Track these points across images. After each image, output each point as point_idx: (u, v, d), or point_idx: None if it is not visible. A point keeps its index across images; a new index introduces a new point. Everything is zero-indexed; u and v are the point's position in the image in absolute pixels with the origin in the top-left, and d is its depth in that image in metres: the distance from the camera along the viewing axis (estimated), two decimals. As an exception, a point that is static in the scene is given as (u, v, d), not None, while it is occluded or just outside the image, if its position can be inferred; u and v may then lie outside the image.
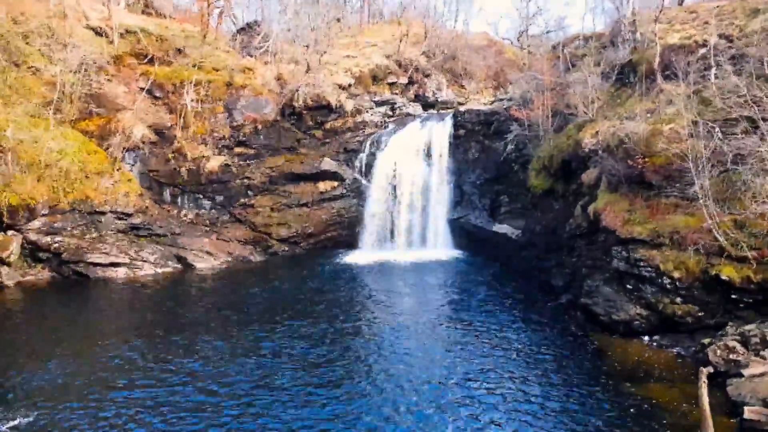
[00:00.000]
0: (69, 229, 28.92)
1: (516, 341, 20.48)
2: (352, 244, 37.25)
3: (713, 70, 22.45)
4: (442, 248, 36.93)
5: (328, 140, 39.35)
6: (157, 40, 35.54)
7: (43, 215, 28.11)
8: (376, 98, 44.01)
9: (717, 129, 19.98)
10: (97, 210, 29.77)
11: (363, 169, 38.94)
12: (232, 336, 20.75)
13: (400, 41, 48.78)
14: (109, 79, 32.78)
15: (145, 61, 34.68)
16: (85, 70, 31.05)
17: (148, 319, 23.21)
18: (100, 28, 34.04)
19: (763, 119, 18.85)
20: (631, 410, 15.29)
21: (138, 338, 20.48)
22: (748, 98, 19.38)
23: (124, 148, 31.91)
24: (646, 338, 19.96)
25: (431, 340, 20.53)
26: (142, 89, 33.35)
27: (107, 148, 31.46)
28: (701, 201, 18.92)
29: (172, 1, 47.62)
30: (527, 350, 19.64)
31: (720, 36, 24.36)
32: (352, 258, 34.93)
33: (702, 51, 23.93)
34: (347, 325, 22.17)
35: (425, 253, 36.02)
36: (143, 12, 40.70)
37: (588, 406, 15.64)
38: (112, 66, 33.13)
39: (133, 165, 33.04)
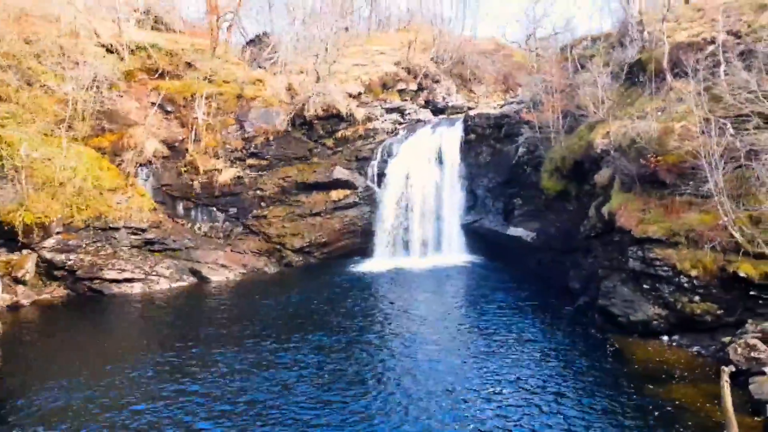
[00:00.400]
0: (83, 246, 29.15)
1: (535, 347, 20.43)
2: (366, 252, 37.37)
3: (722, 67, 22.33)
4: (456, 254, 36.94)
5: (339, 149, 39.59)
6: (167, 55, 36.02)
7: (58, 233, 28.39)
8: (387, 105, 44.24)
9: (729, 125, 19.85)
10: (111, 226, 30.03)
11: (375, 177, 39.10)
12: (247, 349, 20.84)
13: (409, 48, 49.06)
14: (120, 95, 33.26)
15: (156, 76, 35.16)
16: (97, 87, 31.54)
17: (163, 334, 23.40)
18: (111, 45, 34.58)
19: (776, 114, 18.76)
20: (654, 412, 15.17)
21: (153, 354, 20.64)
22: (758, 94, 19.29)
23: (136, 164, 32.33)
24: (666, 338, 19.83)
25: (449, 350, 20.45)
26: (153, 104, 33.81)
27: (120, 164, 31.90)
28: (716, 198, 18.79)
29: (182, 16, 48.28)
30: (546, 355, 19.58)
31: (728, 32, 24.24)
32: (366, 266, 35.04)
33: (710, 48, 23.82)
34: (363, 335, 22.20)
35: (440, 259, 36.06)
36: (153, 28, 41.24)
37: (611, 409, 15.54)
38: (123, 82, 33.59)
39: (146, 180, 33.44)
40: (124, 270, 29.84)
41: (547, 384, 17.24)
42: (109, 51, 34.32)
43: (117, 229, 30.27)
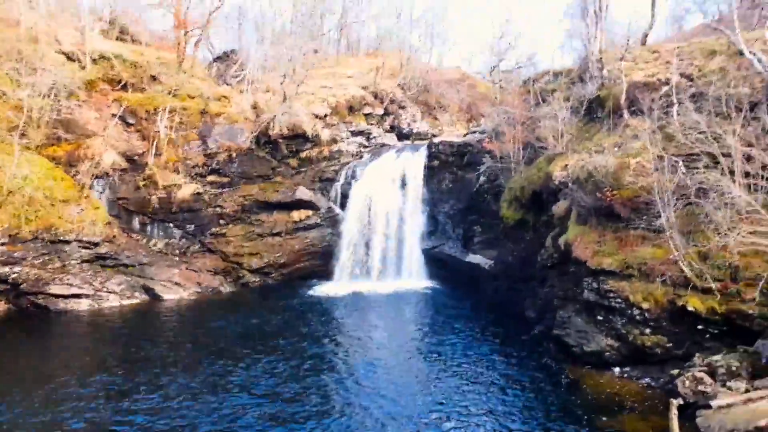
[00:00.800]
0: (29, 258, 27.87)
1: (490, 375, 20.50)
2: (325, 274, 37.14)
3: (675, 107, 23.22)
4: (416, 278, 37.10)
5: (303, 169, 39.55)
6: (131, 67, 35.42)
7: (2, 244, 27.03)
8: (352, 128, 44.48)
9: (680, 163, 20.59)
10: (62, 239, 28.91)
11: (338, 199, 39.14)
12: (197, 371, 20.28)
13: (376, 73, 49.59)
14: (79, 105, 32.39)
15: (119, 87, 34.50)
16: (55, 95, 30.74)
17: (109, 353, 22.51)
18: (73, 53, 33.80)
19: (723, 155, 19.52)
20: (603, 442, 15.38)
21: (97, 374, 19.92)
22: (708, 135, 20.08)
23: (92, 175, 31.44)
24: (617, 369, 20.13)
25: (406, 376, 20.38)
26: (114, 115, 33.09)
27: (75, 175, 30.95)
28: (667, 233, 19.37)
29: (149, 29, 47.73)
30: (501, 384, 19.67)
31: (681, 75, 25.28)
32: (325, 289, 34.79)
33: (665, 88, 24.76)
34: (319, 360, 21.88)
35: (399, 284, 36.12)
36: (118, 38, 40.64)
37: (560, 437, 15.69)
38: (83, 91, 32.73)
39: (101, 192, 32.54)
40: (72, 285, 28.85)
41: (501, 413, 17.30)
42: (70, 59, 33.55)
43: (68, 242, 29.22)
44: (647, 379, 19.21)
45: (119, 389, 18.65)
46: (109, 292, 29.96)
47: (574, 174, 24.31)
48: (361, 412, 17.10)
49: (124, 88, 34.74)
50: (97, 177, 31.95)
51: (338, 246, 37.68)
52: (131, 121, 34.13)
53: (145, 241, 33.76)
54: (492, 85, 54.31)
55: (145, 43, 41.84)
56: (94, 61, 34.28)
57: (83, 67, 33.67)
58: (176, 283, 32.44)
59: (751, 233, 17.09)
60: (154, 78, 36.08)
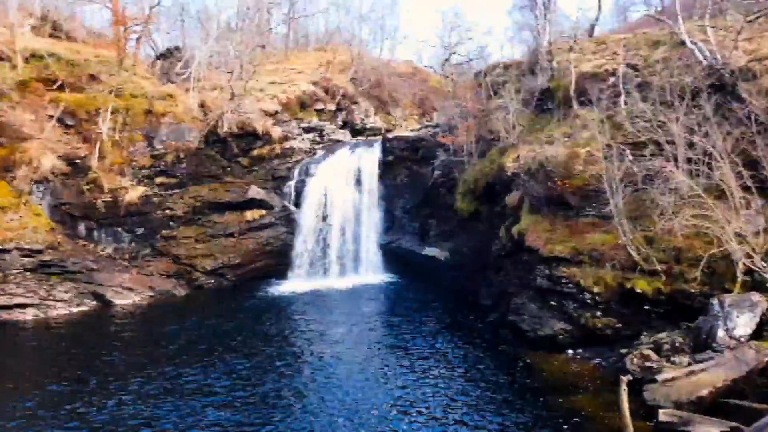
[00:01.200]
0: (-34, 269, 27.05)
1: (448, 363, 21.37)
2: (282, 273, 37.29)
3: (622, 97, 24.65)
4: (374, 273, 37.69)
5: (255, 168, 39.57)
6: (67, 65, 34.47)
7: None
8: (304, 125, 44.80)
9: (628, 152, 21.96)
10: (1, 248, 28.25)
11: (292, 197, 39.37)
12: (152, 377, 20.29)
13: (327, 68, 50.02)
14: (12, 107, 31.31)
15: (55, 87, 33.46)
16: (-15, 97, 29.92)
17: (58, 363, 22.13)
18: (2, 52, 32.82)
19: (668, 142, 20.96)
20: (560, 420, 16.36)
21: (47, 384, 19.71)
22: (653, 123, 21.51)
23: (31, 180, 30.68)
24: (570, 351, 21.33)
25: (366, 370, 20.95)
26: (51, 117, 32.23)
27: (12, 181, 30.20)
28: (616, 219, 20.67)
29: (85, 25, 46.86)
30: (460, 371, 20.55)
31: (627, 65, 26.76)
32: (283, 288, 35.03)
33: (612, 79, 26.21)
34: (278, 359, 22.20)
35: (358, 279, 36.66)
36: (51, 35, 39.65)
37: (520, 420, 16.60)
38: (16, 92, 31.69)
39: (42, 198, 31.65)
40: (14, 295, 28.16)
41: (459, 399, 18.15)
42: (0, 58, 32.71)
43: (7, 250, 28.48)
44: (598, 359, 20.39)
45: (70, 398, 18.53)
46: (57, 301, 29.47)
47: (526, 165, 25.48)
48: (322, 409, 17.57)
49: (61, 88, 33.69)
50: (36, 182, 31.10)
51: (294, 244, 37.91)
52: (71, 122, 33.37)
53: (92, 246, 33.27)
54: (444, 79, 55.49)
55: (81, 41, 41.02)
56: (26, 60, 33.23)
57: (15, 67, 32.74)
58: (128, 288, 32.21)
59: (693, 216, 18.51)
60: (93, 77, 35.26)
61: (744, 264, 17.47)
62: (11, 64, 32.85)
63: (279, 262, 37.80)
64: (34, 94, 32.66)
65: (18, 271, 28.98)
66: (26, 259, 29.26)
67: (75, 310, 29.68)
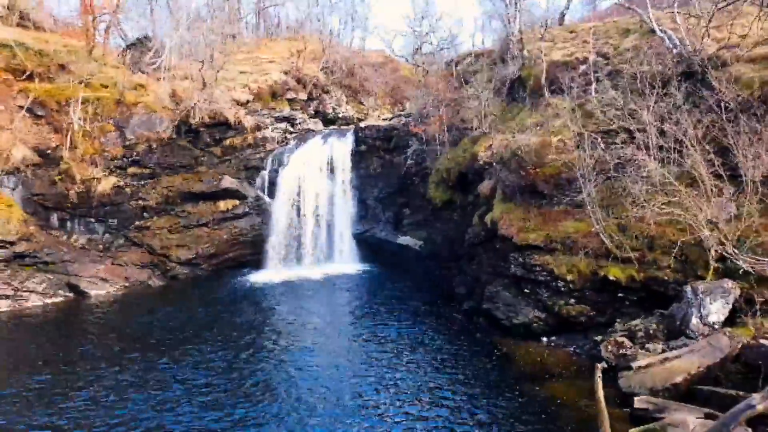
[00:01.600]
0: (-62, 262, 26.09)
1: (423, 352, 20.82)
2: (257, 263, 36.56)
3: (593, 85, 24.21)
4: (348, 262, 37.16)
5: (227, 157, 38.53)
6: (36, 55, 33.10)
7: None
8: (276, 114, 43.79)
9: (599, 140, 21.54)
10: (-27, 240, 27.14)
11: (266, 187, 38.45)
12: (128, 367, 19.55)
13: (298, 57, 48.86)
14: (-19, 98, 30.27)
15: (23, 77, 32.22)
16: (-47, 87, 28.56)
17: (32, 354, 21.27)
18: (-31, 42, 31.45)
19: (639, 130, 20.57)
20: (535, 408, 15.98)
21: (21, 375, 18.89)
22: (624, 111, 21.09)
23: (2, 171, 29.49)
24: (545, 339, 20.96)
25: (340, 359, 20.36)
26: (21, 107, 31.00)
27: (-18, 173, 29.06)
28: (589, 207, 20.26)
29: (52, 14, 44.95)
30: (434, 360, 20.02)
31: (597, 54, 26.35)
32: (257, 277, 34.26)
33: (583, 67, 25.76)
34: (253, 349, 21.52)
35: (332, 268, 36.05)
36: (19, 24, 37.96)
37: (495, 408, 16.18)
38: (-16, 83, 30.61)
39: (14, 189, 30.50)
40: (-13, 287, 27.16)
41: (434, 388, 17.62)
42: (-33, 48, 31.18)
43: (-22, 243, 27.41)
44: (573, 347, 20.08)
45: (43, 389, 17.74)
46: (30, 292, 28.35)
47: (499, 154, 24.96)
48: (296, 398, 16.98)
49: (30, 78, 32.45)
50: (7, 173, 29.93)
51: (268, 234, 37.13)
52: (41, 113, 32.07)
53: (65, 237, 32.06)
54: (415, 68, 54.72)
55: (49, 30, 39.33)
56: (-7, 49, 31.94)
57: (-19, 57, 31.34)
58: (102, 279, 31.10)
59: (665, 204, 18.14)
60: (62, 67, 33.93)
61: (716, 251, 17.17)
62: (-23, 54, 31.27)
63: (253, 252, 37.05)
64: (3, 84, 31.39)
65: (-11, 263, 27.73)
66: (0, 251, 27.98)
67: (49, 301, 28.67)
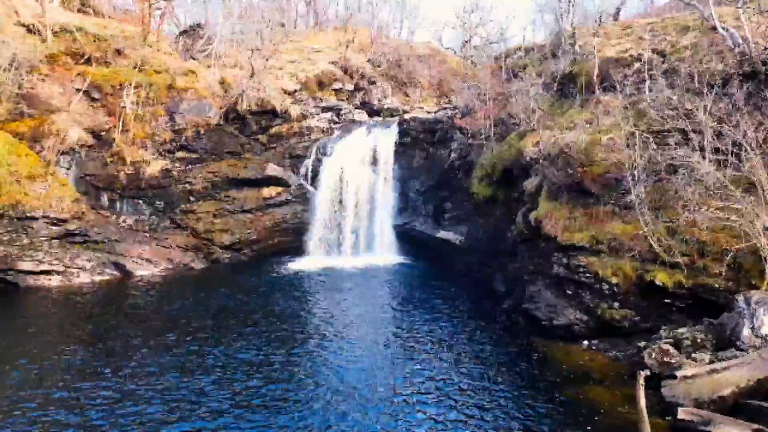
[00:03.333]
0: (-3, 235, 27.02)
1: (460, 349, 20.50)
2: (297, 250, 36.78)
3: (647, 83, 23.31)
4: (388, 254, 37.04)
5: (273, 145, 38.86)
6: (94, 40, 33.99)
7: (-32, 221, 26.18)
8: (322, 104, 43.86)
9: (651, 140, 20.71)
10: (29, 215, 27.97)
11: (309, 175, 38.65)
12: (169, 349, 19.84)
13: (346, 48, 48.78)
14: (42, 79, 31.11)
15: (82, 61, 33.11)
16: (16, 69, 29.45)
17: (80, 330, 21.94)
18: (33, 26, 32.33)
19: (694, 131, 19.69)
20: (573, 413, 15.51)
21: (62, 351, 19.41)
22: (679, 111, 20.21)
23: (58, 151, 30.36)
24: (586, 342, 20.36)
25: (378, 353, 20.19)
26: (78, 90, 31.86)
27: (40, 152, 29.88)
28: (637, 209, 19.53)
29: (111, 0, 46.00)
30: (471, 358, 19.68)
31: (653, 51, 25.35)
32: (297, 265, 34.46)
33: (637, 65, 24.84)
34: (292, 338, 21.53)
35: (372, 259, 36.00)
36: (80, 10, 39.03)
37: (532, 411, 15.78)
38: (45, 65, 31.42)
39: (68, 169, 31.48)
40: (41, 262, 28.02)
41: (471, 387, 17.31)
42: (31, 31, 32.09)
43: (35, 218, 28.25)
44: (614, 352, 19.40)
45: (84, 364, 18.22)
46: (80, 269, 29.22)
47: (546, 150, 24.33)
48: (334, 392, 16.84)
49: (88, 62, 33.35)
50: (62, 153, 30.86)
51: (310, 222, 37.31)
52: (96, 96, 32.95)
53: (114, 217, 32.90)
54: (463, 61, 54.02)
55: (107, 16, 40.30)
56: (55, 33, 32.83)
57: (44, 40, 32.27)
58: (147, 260, 31.81)
59: (719, 209, 17.34)
60: (118, 52, 34.76)
61: (773, 261, 16.32)
62: (41, 38, 32.37)
63: (295, 240, 37.30)
64: (63, 68, 32.37)
65: (44, 239, 28.76)
66: (53, 228, 29.04)
67: (96, 278, 29.50)
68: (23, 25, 32.10)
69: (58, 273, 28.53)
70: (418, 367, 18.82)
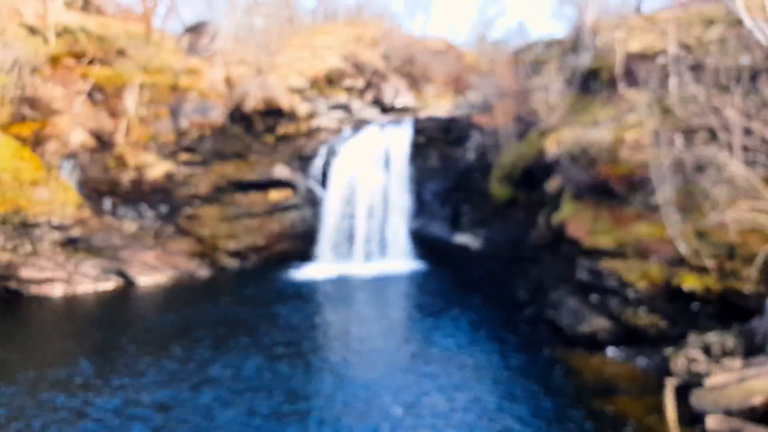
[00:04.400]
0: (-1, 242, 27.83)
1: (480, 359, 20.89)
2: (307, 256, 37.08)
3: (673, 79, 23.64)
4: (401, 260, 37.25)
5: (280, 146, 39.27)
6: (97, 40, 34.74)
7: (-31, 228, 26.90)
8: (332, 102, 44.22)
9: (678, 138, 21.06)
10: (31, 222, 28.66)
11: (318, 177, 38.98)
12: (175, 358, 20.49)
13: (357, 43, 49.24)
14: (44, 82, 31.87)
15: (85, 62, 33.91)
16: (18, 71, 30.25)
17: (84, 340, 22.71)
18: (36, 26, 33.16)
19: (722, 128, 20.01)
20: (597, 424, 15.90)
21: (72, 361, 20.11)
22: (707, 107, 20.56)
23: (61, 155, 31.10)
24: (610, 350, 20.72)
25: (393, 362, 20.67)
26: (80, 92, 32.65)
27: (42, 155, 30.56)
28: (663, 211, 19.89)
29: (114, -1, 46.86)
30: (492, 367, 20.11)
31: (678, 45, 25.65)
32: (307, 272, 34.86)
33: (662, 59, 25.16)
34: (301, 349, 21.94)
35: (385, 265, 36.28)
36: (82, 9, 39.83)
37: (554, 421, 16.20)
38: (48, 67, 32.21)
39: (71, 173, 32.16)
40: (44, 269, 28.82)
41: (492, 397, 17.77)
42: (33, 32, 32.90)
43: (38, 225, 28.96)
44: (641, 359, 19.77)
45: (86, 376, 18.86)
46: (83, 276, 30.02)
47: (568, 149, 24.71)
48: (346, 403, 17.33)
49: (91, 63, 34.10)
50: (65, 157, 31.52)
51: (320, 227, 37.62)
52: (99, 97, 33.67)
53: (117, 223, 33.55)
54: (479, 57, 54.41)
55: (111, 15, 41.09)
56: (58, 34, 33.62)
57: (47, 42, 33.04)
58: (151, 267, 32.49)
59: (749, 210, 17.66)
60: (121, 52, 35.48)
61: (805, 263, 16.64)
62: (44, 39, 33.15)
63: (303, 245, 37.57)
64: (65, 69, 33.10)
65: (47, 245, 29.47)
66: (56, 234, 29.75)
67: (101, 286, 30.27)
68: (26, 26, 32.91)
69: (61, 281, 29.26)
70: (434, 378, 19.24)
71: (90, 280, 30.05)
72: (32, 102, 31.17)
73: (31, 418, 15.97)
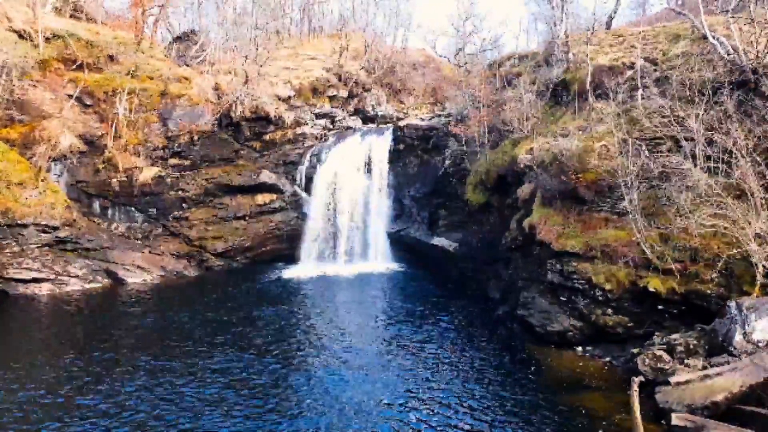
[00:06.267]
0: (-14, 242, 26.95)
1: (455, 356, 20.61)
2: (291, 257, 36.92)
3: (640, 91, 23.60)
4: (382, 261, 37.19)
5: (267, 152, 39.01)
6: (87, 46, 34.06)
7: (-42, 228, 26.12)
8: (316, 111, 44.04)
9: (644, 147, 20.97)
10: (19, 222, 27.92)
11: (303, 182, 38.81)
12: (162, 357, 19.91)
13: (340, 55, 49.05)
14: (33, 85, 31.14)
15: (74, 67, 33.19)
16: (7, 75, 29.49)
17: (71, 338, 21.96)
18: (24, 31, 32.40)
19: (686, 139, 19.96)
20: (567, 420, 15.63)
21: (59, 360, 19.43)
22: (671, 118, 20.48)
23: (50, 158, 30.39)
24: (580, 348, 20.53)
25: (372, 360, 20.26)
26: (70, 96, 31.95)
27: (31, 158, 29.85)
28: (630, 216, 19.73)
29: (104, 6, 46.12)
30: (466, 364, 19.80)
31: (645, 59, 25.66)
32: (291, 272, 34.54)
33: (629, 72, 25.15)
34: (286, 345, 21.58)
35: (366, 266, 36.15)
36: (72, 16, 39.11)
37: (526, 417, 15.89)
38: (37, 71, 31.48)
39: (59, 176, 31.53)
40: (31, 269, 28.07)
41: (465, 394, 17.41)
42: (22, 37, 32.14)
43: (25, 225, 28.23)
44: (609, 358, 19.59)
45: (71, 375, 18.20)
46: (71, 276, 29.24)
47: (539, 157, 24.56)
48: (327, 400, 16.91)
49: (80, 68, 33.43)
50: (54, 160, 30.90)
51: (304, 229, 37.48)
52: (89, 102, 33.06)
53: (106, 224, 32.94)
54: (457, 69, 54.35)
55: (100, 22, 40.41)
56: (47, 39, 32.88)
57: (36, 46, 32.31)
58: (140, 267, 31.83)
59: (711, 216, 17.55)
60: (111, 58, 34.88)
61: (764, 267, 16.53)
62: (33, 44, 32.45)
63: (289, 247, 37.45)
64: (55, 74, 32.48)
65: (35, 246, 28.73)
66: (43, 235, 29.03)
67: (88, 286, 29.56)
68: (15, 31, 32.15)
69: (48, 281, 28.52)
70: (412, 374, 18.87)
71: (78, 280, 29.30)
72: (21, 105, 30.42)
73: (15, 417, 15.31)
